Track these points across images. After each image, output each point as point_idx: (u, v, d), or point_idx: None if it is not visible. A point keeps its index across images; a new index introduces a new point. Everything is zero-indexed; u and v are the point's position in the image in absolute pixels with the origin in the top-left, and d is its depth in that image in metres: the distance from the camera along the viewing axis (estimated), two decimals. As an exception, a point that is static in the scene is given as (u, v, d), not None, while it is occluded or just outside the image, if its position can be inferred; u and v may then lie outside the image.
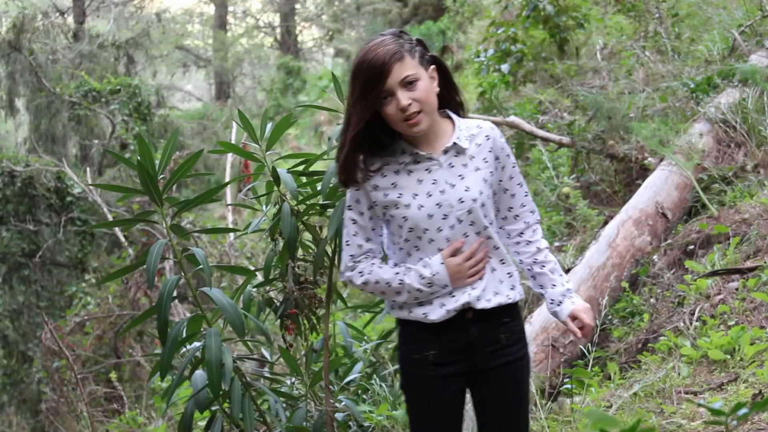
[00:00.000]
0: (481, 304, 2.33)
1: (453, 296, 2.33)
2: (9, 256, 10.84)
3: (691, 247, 4.93)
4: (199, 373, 3.08)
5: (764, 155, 5.49)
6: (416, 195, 2.31)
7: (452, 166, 2.34)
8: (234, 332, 2.92)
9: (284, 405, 3.38)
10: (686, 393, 3.49)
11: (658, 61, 7.60)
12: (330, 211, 3.18)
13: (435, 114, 2.34)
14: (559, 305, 2.42)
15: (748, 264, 4.34)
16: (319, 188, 3.15)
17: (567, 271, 4.92)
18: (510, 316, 2.39)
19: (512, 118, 7.06)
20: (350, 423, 3.42)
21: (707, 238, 4.90)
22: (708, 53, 7.04)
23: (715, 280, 4.34)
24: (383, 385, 3.64)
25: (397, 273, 2.35)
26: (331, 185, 3.07)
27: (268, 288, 3.42)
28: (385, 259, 2.46)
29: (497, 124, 6.59)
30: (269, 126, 3.19)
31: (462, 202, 2.31)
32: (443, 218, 2.31)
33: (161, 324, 2.84)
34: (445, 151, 2.34)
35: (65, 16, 15.21)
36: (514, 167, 2.43)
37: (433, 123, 2.33)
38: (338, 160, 2.33)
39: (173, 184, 2.90)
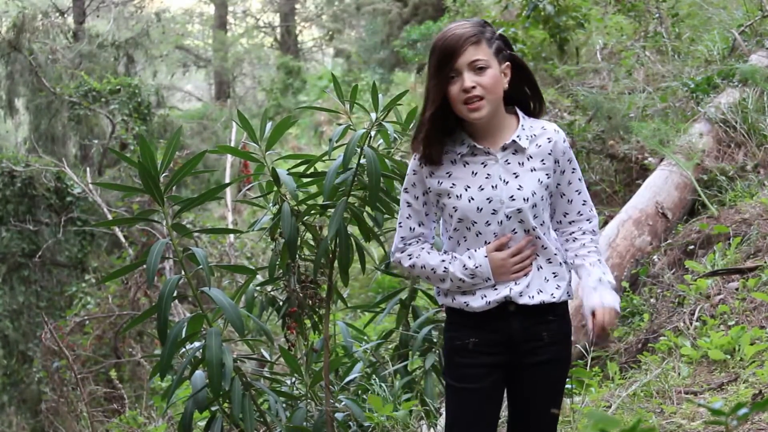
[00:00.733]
0: (524, 300, 2.34)
1: (495, 289, 2.35)
2: (9, 256, 10.84)
3: (691, 247, 4.93)
4: (199, 373, 3.08)
5: (764, 155, 5.50)
6: (468, 187, 2.34)
7: (508, 163, 2.35)
8: (234, 332, 2.92)
9: (284, 405, 3.38)
10: (686, 393, 3.49)
11: (658, 61, 7.60)
12: (331, 211, 3.18)
13: (499, 107, 2.35)
14: (587, 297, 2.39)
15: (748, 264, 4.34)
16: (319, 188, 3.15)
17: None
18: (555, 315, 2.39)
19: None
20: (350, 423, 3.42)
21: (707, 238, 4.90)
22: (708, 53, 7.04)
23: (715, 280, 4.34)
24: (383, 385, 3.64)
25: (443, 260, 2.39)
26: (331, 185, 3.07)
27: (270, 287, 3.43)
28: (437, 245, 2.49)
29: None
30: (269, 126, 3.19)
31: (513, 199, 2.32)
32: (492, 213, 2.33)
33: (161, 324, 2.84)
34: (504, 148, 2.35)
35: (65, 16, 15.21)
36: (574, 173, 2.43)
37: (495, 116, 2.34)
38: (416, 138, 2.36)
39: (176, 183, 2.90)
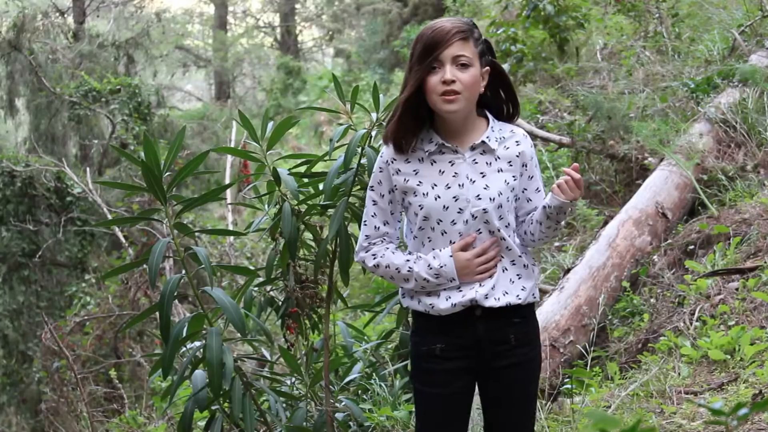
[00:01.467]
0: (489, 303, 2.34)
1: (460, 290, 2.34)
2: (9, 256, 10.83)
3: (691, 247, 4.93)
4: (199, 373, 3.08)
5: (764, 155, 5.49)
6: (435, 185, 2.34)
7: (476, 163, 2.35)
8: (234, 332, 2.92)
9: (284, 405, 3.38)
10: (686, 393, 3.49)
11: (658, 61, 7.60)
12: (331, 211, 3.18)
13: (472, 107, 2.36)
14: (548, 199, 2.37)
15: (748, 264, 4.34)
16: (321, 188, 3.15)
17: (567, 271, 4.92)
18: (521, 317, 2.39)
19: (512, 118, 7.05)
20: (350, 423, 3.42)
21: (707, 238, 4.90)
22: (708, 53, 7.04)
23: (715, 280, 4.34)
24: (383, 385, 3.64)
25: (408, 260, 2.38)
26: (332, 186, 3.08)
27: (269, 287, 3.43)
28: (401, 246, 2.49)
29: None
30: (270, 126, 3.19)
31: (479, 199, 2.33)
32: (458, 212, 2.33)
33: (163, 323, 2.85)
34: (473, 148, 2.36)
35: (65, 16, 15.20)
36: (539, 179, 2.44)
37: (467, 116, 2.36)
38: (390, 121, 2.37)
39: (178, 182, 2.91)
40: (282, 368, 4.19)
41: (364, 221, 2.45)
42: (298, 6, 26.54)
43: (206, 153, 3.06)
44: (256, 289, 3.49)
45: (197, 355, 3.04)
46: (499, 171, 2.36)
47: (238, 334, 3.01)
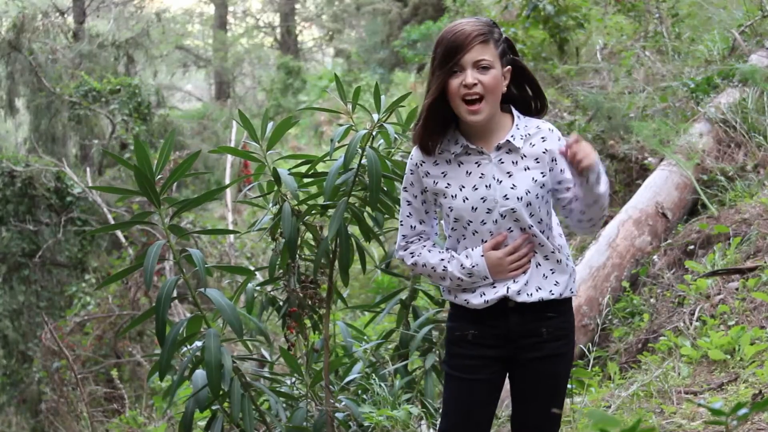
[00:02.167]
0: (522, 298, 2.36)
1: (494, 287, 2.38)
2: (9, 256, 10.83)
3: (691, 247, 4.93)
4: (200, 373, 3.08)
5: (764, 155, 5.49)
6: (463, 187, 2.36)
7: (502, 162, 2.36)
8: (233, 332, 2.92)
9: (284, 405, 3.38)
10: (686, 393, 3.49)
11: (658, 61, 7.60)
12: (331, 211, 3.18)
13: (496, 109, 2.37)
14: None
15: (748, 264, 4.34)
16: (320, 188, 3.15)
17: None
18: (556, 311, 2.41)
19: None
20: (350, 423, 3.42)
21: (707, 238, 4.90)
22: (708, 53, 7.04)
23: (715, 280, 4.34)
24: (383, 385, 3.64)
25: (443, 259, 2.42)
26: (332, 186, 3.07)
27: (270, 287, 3.43)
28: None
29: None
30: (270, 126, 3.19)
31: (507, 199, 2.34)
32: (487, 212, 2.35)
33: (159, 325, 2.84)
34: (498, 147, 2.36)
35: (65, 16, 15.20)
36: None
37: (492, 117, 2.36)
38: (416, 125, 2.39)
39: (171, 184, 2.90)
40: (282, 368, 4.19)
41: (401, 221, 2.50)
42: (298, 6, 26.54)
43: (197, 154, 3.05)
44: (257, 289, 3.50)
45: (197, 356, 3.04)
46: (526, 169, 2.36)
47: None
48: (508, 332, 2.38)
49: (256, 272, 3.61)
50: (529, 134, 2.39)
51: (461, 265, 2.38)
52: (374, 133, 3.17)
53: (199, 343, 3.05)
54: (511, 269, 2.36)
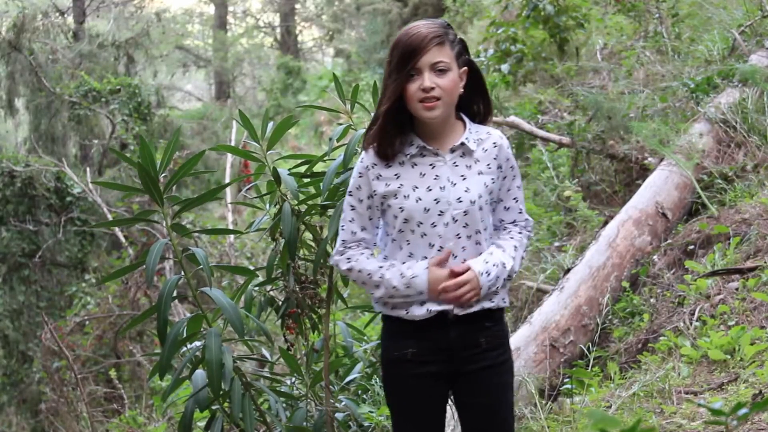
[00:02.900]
0: (465, 309, 2.34)
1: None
2: (9, 256, 10.84)
3: (691, 247, 4.93)
4: (199, 373, 3.08)
5: (764, 155, 5.49)
6: (416, 187, 2.34)
7: (456, 165, 2.36)
8: (234, 332, 2.92)
9: (284, 405, 3.38)
10: (686, 393, 3.49)
11: (658, 61, 7.60)
12: (331, 211, 3.18)
13: (452, 110, 2.37)
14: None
15: (748, 264, 4.34)
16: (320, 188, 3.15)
17: (567, 271, 4.92)
18: (492, 320, 2.39)
19: (512, 118, 7.06)
20: (350, 423, 3.42)
21: (707, 238, 4.90)
22: (708, 53, 7.03)
23: (715, 280, 4.34)
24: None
25: (381, 266, 2.37)
26: (331, 186, 3.07)
27: (269, 287, 3.43)
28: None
29: (497, 123, 6.60)
30: (270, 126, 3.19)
31: (460, 201, 2.33)
32: (439, 214, 2.33)
33: (161, 324, 2.84)
34: (452, 150, 2.36)
35: (65, 16, 15.20)
36: (514, 180, 2.44)
37: (447, 119, 2.36)
38: (369, 130, 2.38)
39: (174, 183, 2.90)
40: (282, 368, 4.19)
41: (342, 226, 2.44)
42: (298, 6, 26.54)
43: (202, 153, 3.06)
44: (256, 288, 3.49)
45: (197, 355, 3.04)
46: (479, 173, 2.37)
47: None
48: (448, 345, 2.34)
49: (257, 273, 3.61)
50: (481, 139, 2.40)
51: (401, 274, 2.32)
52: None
53: (198, 343, 3.05)
54: (448, 298, 2.30)
